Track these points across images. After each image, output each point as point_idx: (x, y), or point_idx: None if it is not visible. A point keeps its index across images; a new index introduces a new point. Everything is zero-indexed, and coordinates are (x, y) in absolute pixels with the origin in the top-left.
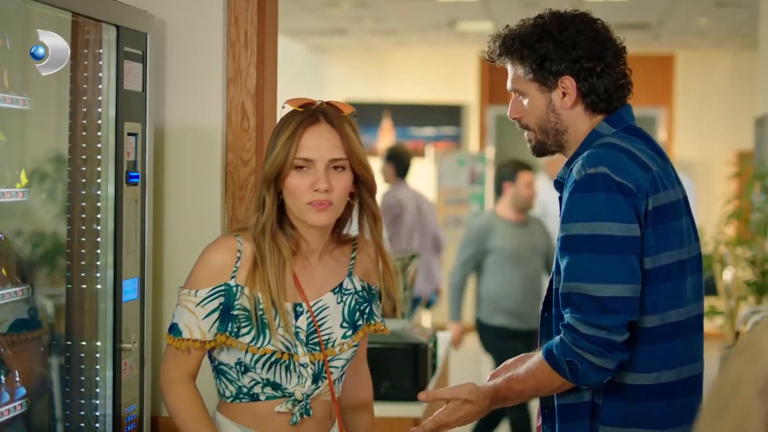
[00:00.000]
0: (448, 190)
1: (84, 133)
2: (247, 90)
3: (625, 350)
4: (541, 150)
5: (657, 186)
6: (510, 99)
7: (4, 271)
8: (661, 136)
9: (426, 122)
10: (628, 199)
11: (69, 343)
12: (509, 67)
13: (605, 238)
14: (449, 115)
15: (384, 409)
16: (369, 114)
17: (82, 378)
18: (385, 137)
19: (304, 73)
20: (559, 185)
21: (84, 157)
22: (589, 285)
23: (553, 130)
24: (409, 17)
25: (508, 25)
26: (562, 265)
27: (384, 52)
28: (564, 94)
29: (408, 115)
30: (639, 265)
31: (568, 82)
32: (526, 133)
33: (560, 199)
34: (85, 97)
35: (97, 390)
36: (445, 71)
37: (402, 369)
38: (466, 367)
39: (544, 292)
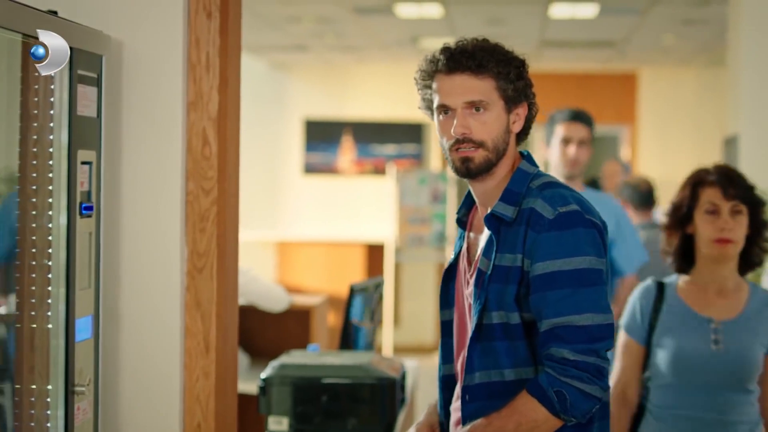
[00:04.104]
0: (409, 209)
1: (35, 162)
2: (209, 115)
3: (608, 379)
4: (485, 169)
5: (604, 225)
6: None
7: None
8: (624, 154)
9: (387, 140)
10: (599, 234)
11: (17, 386)
12: (477, 80)
13: (587, 271)
14: (411, 132)
15: None
16: (330, 131)
17: (32, 423)
18: (346, 154)
19: (263, 90)
20: (496, 220)
21: (34, 186)
22: (576, 316)
23: (501, 152)
24: (371, 34)
25: (457, 41)
26: (540, 302)
27: (345, 69)
28: (515, 120)
29: (369, 132)
30: None
31: (522, 110)
32: (467, 150)
33: (495, 234)
34: (35, 123)
35: None
36: (407, 88)
37: (370, 406)
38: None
39: None
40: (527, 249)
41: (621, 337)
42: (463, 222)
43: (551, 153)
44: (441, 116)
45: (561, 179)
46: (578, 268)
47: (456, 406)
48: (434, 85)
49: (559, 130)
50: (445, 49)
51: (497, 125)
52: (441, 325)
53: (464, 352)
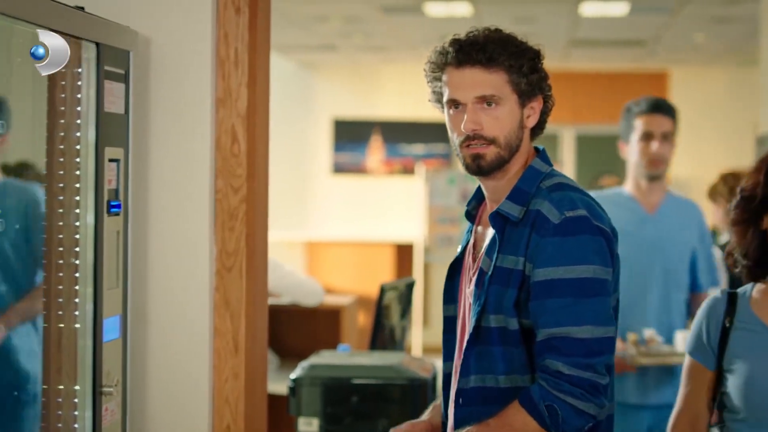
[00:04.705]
0: (438, 209)
1: (61, 159)
2: (238, 112)
3: (606, 396)
4: (497, 166)
5: (614, 231)
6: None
7: None
8: None
9: (416, 139)
10: (607, 242)
11: (45, 386)
12: (487, 74)
13: (589, 281)
14: (440, 132)
15: None
16: (358, 131)
17: (59, 424)
18: (375, 154)
19: (292, 90)
20: (501, 219)
21: (61, 184)
22: (574, 328)
23: (514, 149)
24: (399, 33)
25: (468, 32)
26: (538, 310)
27: (373, 69)
28: (529, 115)
29: (398, 132)
30: None
31: (537, 103)
32: (478, 147)
33: (499, 234)
34: (62, 120)
35: None
36: None
37: (401, 407)
38: None
39: None
40: (530, 253)
41: (686, 360)
42: (472, 215)
43: (630, 151)
44: (451, 111)
45: (642, 180)
46: (580, 277)
47: (451, 408)
48: (444, 78)
49: (638, 124)
50: (455, 41)
51: (510, 120)
52: (444, 320)
53: (459, 352)
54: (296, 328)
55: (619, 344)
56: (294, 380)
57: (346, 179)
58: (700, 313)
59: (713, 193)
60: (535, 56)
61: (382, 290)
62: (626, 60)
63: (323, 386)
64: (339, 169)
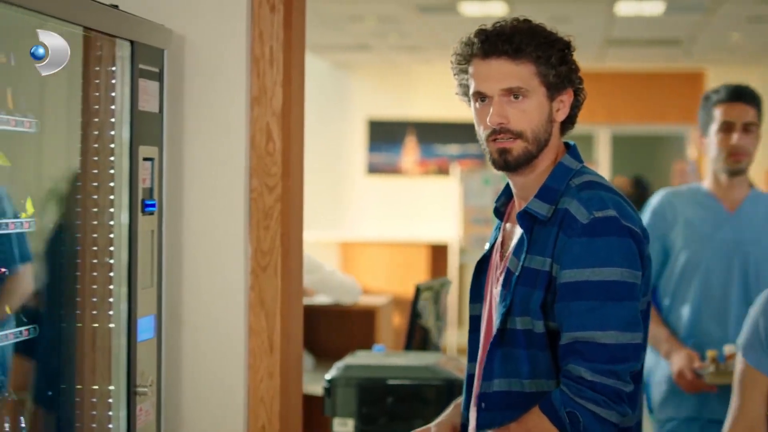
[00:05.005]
0: (473, 210)
1: (96, 158)
2: (273, 110)
3: (629, 403)
4: (524, 161)
5: (645, 232)
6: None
7: (8, 308)
8: (691, 154)
9: (451, 140)
10: (636, 244)
11: (79, 386)
12: (514, 65)
13: (616, 284)
14: (474, 132)
15: None
16: (393, 131)
17: (93, 424)
18: (409, 155)
19: (326, 90)
20: (529, 218)
21: (96, 183)
22: (599, 333)
23: (543, 143)
24: (435, 33)
25: (495, 23)
26: (563, 312)
27: (409, 69)
28: (558, 108)
29: (433, 132)
30: None
31: (567, 96)
32: (504, 141)
33: (527, 233)
34: (96, 119)
35: None
36: None
37: (437, 407)
38: None
39: None
40: (557, 253)
41: (739, 364)
42: (501, 212)
43: (708, 144)
44: (477, 104)
45: (722, 176)
46: (607, 279)
47: (473, 411)
48: (470, 70)
49: (717, 114)
50: (481, 32)
51: (538, 114)
52: (470, 319)
53: (483, 352)
54: (331, 329)
55: (696, 362)
56: (329, 380)
57: (381, 180)
58: (755, 311)
59: None
60: (564, 47)
61: (418, 290)
62: (662, 60)
63: (358, 387)
64: (374, 169)
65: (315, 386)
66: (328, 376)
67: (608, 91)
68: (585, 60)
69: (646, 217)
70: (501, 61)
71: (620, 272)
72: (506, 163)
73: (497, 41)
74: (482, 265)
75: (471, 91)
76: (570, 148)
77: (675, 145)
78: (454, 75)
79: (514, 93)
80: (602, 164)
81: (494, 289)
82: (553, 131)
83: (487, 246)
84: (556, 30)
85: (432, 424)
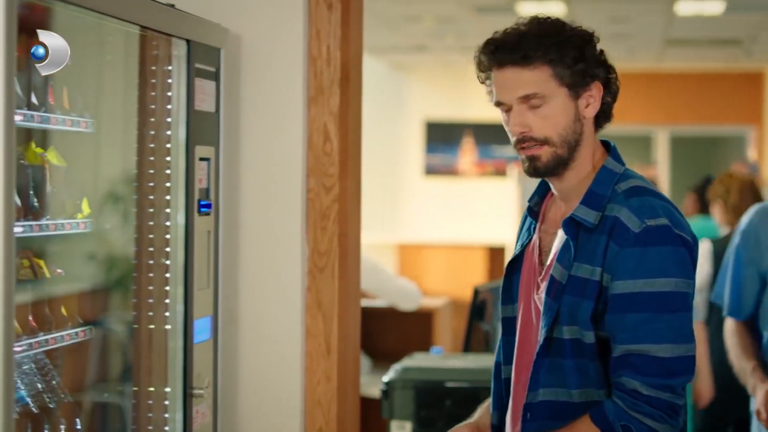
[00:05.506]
0: None
1: (152, 158)
2: (330, 110)
3: (681, 416)
4: (554, 166)
5: (695, 239)
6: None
7: (64, 310)
8: (751, 155)
9: (508, 141)
10: (689, 252)
11: (135, 388)
12: (527, 72)
13: (670, 295)
14: None
15: None
16: (450, 133)
17: (150, 426)
18: (467, 156)
19: (383, 91)
20: (575, 225)
21: (152, 183)
22: (654, 346)
23: (573, 144)
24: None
25: (506, 29)
26: (616, 324)
27: (466, 70)
28: (588, 104)
29: (490, 133)
30: None
31: (596, 90)
32: (531, 149)
33: (573, 240)
34: (153, 119)
35: None
36: None
37: None
38: None
39: None
40: (608, 263)
41: None
42: (534, 212)
43: None
44: (502, 113)
45: None
46: (661, 291)
47: (510, 419)
48: (492, 79)
49: None
50: (489, 42)
51: (563, 117)
52: (503, 322)
53: (519, 358)
54: (388, 331)
55: None
56: (387, 383)
57: (438, 181)
58: None
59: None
60: (582, 43)
61: (476, 292)
62: (721, 60)
63: (416, 389)
64: (431, 170)
65: (372, 389)
66: (385, 379)
67: (667, 92)
68: (644, 60)
69: (735, 239)
70: (513, 70)
71: (674, 282)
72: (536, 169)
73: (505, 50)
74: (513, 265)
75: (493, 101)
76: (610, 149)
77: (735, 146)
78: (481, 83)
79: (531, 99)
80: (661, 165)
81: (534, 295)
82: (585, 129)
83: (518, 247)
84: (574, 23)
85: (462, 424)
